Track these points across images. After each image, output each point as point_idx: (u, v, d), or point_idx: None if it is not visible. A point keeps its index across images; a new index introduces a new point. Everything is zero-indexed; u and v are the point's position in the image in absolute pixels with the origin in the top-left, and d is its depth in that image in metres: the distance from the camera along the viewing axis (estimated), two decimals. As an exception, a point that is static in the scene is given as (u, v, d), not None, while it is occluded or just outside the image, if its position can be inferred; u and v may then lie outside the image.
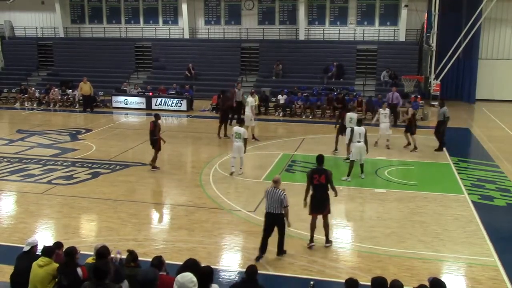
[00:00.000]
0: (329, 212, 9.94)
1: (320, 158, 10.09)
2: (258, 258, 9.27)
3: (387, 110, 18.34)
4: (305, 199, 9.87)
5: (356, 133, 14.47)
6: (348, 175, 14.30)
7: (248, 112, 19.51)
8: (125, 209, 11.99)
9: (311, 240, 9.92)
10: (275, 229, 9.35)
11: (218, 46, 32.75)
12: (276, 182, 9.35)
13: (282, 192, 9.16)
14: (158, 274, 6.17)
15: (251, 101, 19.88)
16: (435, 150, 17.79)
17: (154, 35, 34.64)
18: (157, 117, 15.56)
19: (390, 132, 18.07)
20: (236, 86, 23.04)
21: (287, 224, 9.33)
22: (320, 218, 9.91)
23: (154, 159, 15.31)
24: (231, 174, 14.72)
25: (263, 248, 9.35)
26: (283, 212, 9.19)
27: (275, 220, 9.28)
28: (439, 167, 16.07)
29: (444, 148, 17.86)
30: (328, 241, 10.00)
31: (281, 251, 9.51)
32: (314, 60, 30.21)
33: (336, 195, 10.16)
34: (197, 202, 12.62)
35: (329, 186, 9.88)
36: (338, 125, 17.45)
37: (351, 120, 16.15)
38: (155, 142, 15.24)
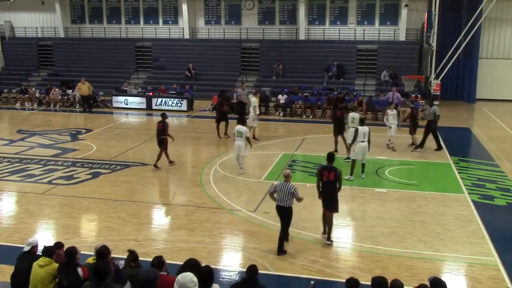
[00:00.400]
0: (336, 211, 10.12)
1: (330, 156, 10.33)
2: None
3: (395, 111, 18.32)
4: (318, 192, 10.15)
5: (360, 132, 14.47)
6: (351, 174, 14.33)
7: (251, 112, 19.46)
8: (126, 209, 11.99)
9: (324, 231, 10.29)
10: (285, 223, 9.62)
11: (218, 46, 32.75)
12: (287, 177, 9.65)
13: (292, 186, 9.43)
14: (159, 274, 6.17)
15: (254, 101, 19.80)
16: (435, 149, 17.81)
17: (154, 35, 34.65)
18: (164, 116, 15.60)
19: (393, 133, 18.05)
20: (241, 86, 22.95)
21: (299, 200, 9.54)
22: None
23: (165, 157, 15.45)
24: (240, 171, 14.84)
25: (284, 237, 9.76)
26: (291, 205, 9.46)
27: (282, 212, 9.55)
28: (440, 167, 16.07)
29: (442, 148, 17.88)
30: (329, 239, 10.06)
31: (281, 251, 9.54)
32: (314, 60, 30.21)
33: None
34: (197, 202, 12.62)
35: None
36: (333, 125, 17.43)
37: (353, 120, 16.12)
38: (163, 141, 15.26)
